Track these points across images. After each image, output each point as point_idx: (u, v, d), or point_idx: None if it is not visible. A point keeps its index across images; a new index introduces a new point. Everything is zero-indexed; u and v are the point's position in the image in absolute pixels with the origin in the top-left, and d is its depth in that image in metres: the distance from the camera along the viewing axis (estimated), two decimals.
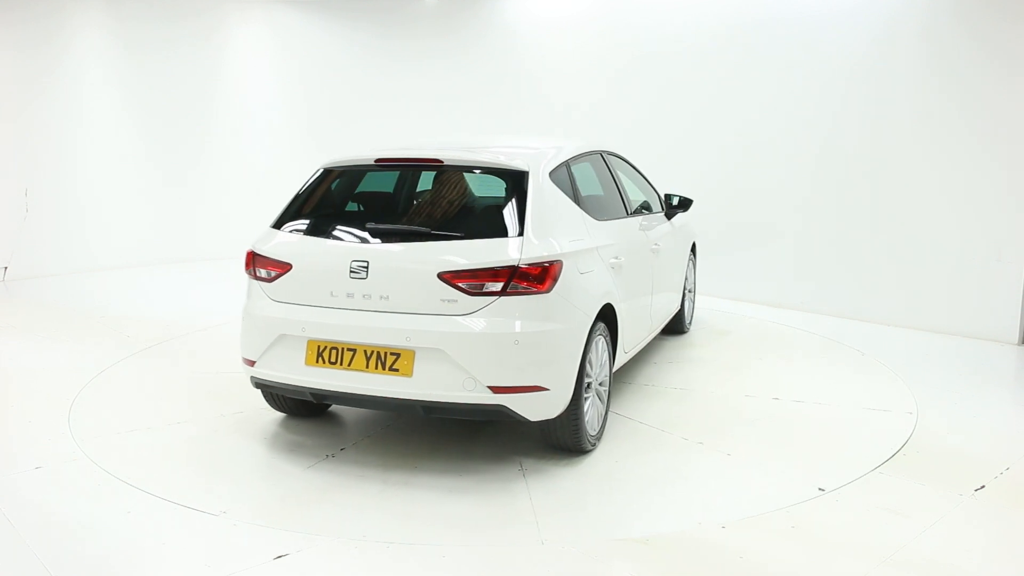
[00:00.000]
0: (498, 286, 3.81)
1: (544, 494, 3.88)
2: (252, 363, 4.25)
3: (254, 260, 4.31)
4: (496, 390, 3.80)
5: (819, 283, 7.71)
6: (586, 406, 4.21)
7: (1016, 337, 6.65)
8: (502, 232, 3.95)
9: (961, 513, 3.73)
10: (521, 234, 3.93)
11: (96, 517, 3.63)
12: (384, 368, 3.89)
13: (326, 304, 4.03)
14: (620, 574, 3.20)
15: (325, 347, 4.01)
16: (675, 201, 6.12)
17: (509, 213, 4.04)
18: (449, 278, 3.83)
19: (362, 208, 4.63)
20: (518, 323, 3.83)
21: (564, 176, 4.53)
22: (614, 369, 4.76)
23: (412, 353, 3.86)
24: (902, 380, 5.64)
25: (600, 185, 5.28)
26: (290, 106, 11.16)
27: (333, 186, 4.56)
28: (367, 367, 3.92)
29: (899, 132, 7.12)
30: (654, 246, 5.48)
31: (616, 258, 4.66)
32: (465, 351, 3.79)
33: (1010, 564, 3.33)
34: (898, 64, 7.08)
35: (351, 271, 3.97)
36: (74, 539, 3.45)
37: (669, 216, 6.11)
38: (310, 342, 4.04)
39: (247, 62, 10.88)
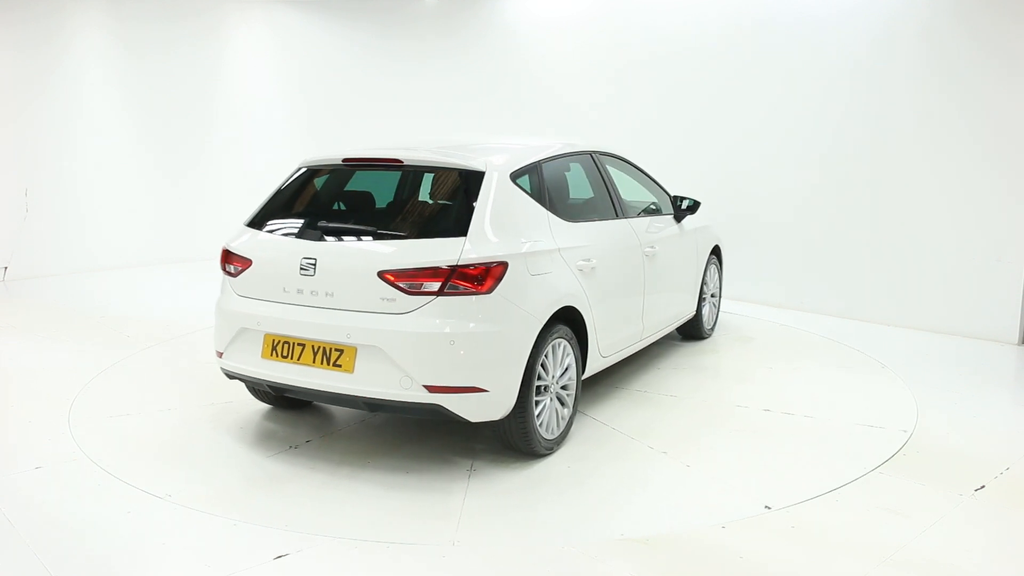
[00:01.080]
0: (436, 286, 3.82)
1: (480, 495, 3.87)
2: (220, 355, 4.42)
3: (226, 256, 4.45)
4: (432, 389, 3.82)
5: (820, 283, 7.71)
6: (539, 410, 4.18)
7: (1016, 337, 6.65)
8: (447, 232, 3.97)
9: (961, 513, 3.73)
10: (464, 234, 3.93)
11: (96, 517, 3.63)
12: (329, 363, 3.98)
13: (279, 299, 4.15)
14: (619, 574, 3.20)
15: (278, 341, 4.12)
16: (684, 205, 5.98)
17: (458, 213, 4.07)
18: (389, 277, 3.87)
19: (322, 206, 4.64)
20: (455, 323, 3.82)
21: (532, 177, 4.52)
22: (588, 374, 4.72)
23: (354, 350, 3.92)
24: (902, 381, 5.64)
25: (586, 186, 5.23)
26: (290, 106, 11.16)
27: (304, 184, 4.65)
28: (314, 362, 4.01)
29: (900, 133, 7.12)
30: (649, 249, 5.36)
31: (587, 260, 4.59)
32: (401, 349, 3.82)
33: (1010, 564, 3.33)
34: (899, 65, 7.08)
35: (301, 268, 4.07)
36: (74, 539, 3.45)
37: (678, 219, 5.98)
38: (266, 336, 4.16)
39: (247, 62, 10.88)
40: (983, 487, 3.99)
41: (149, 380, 5.55)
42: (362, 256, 4.00)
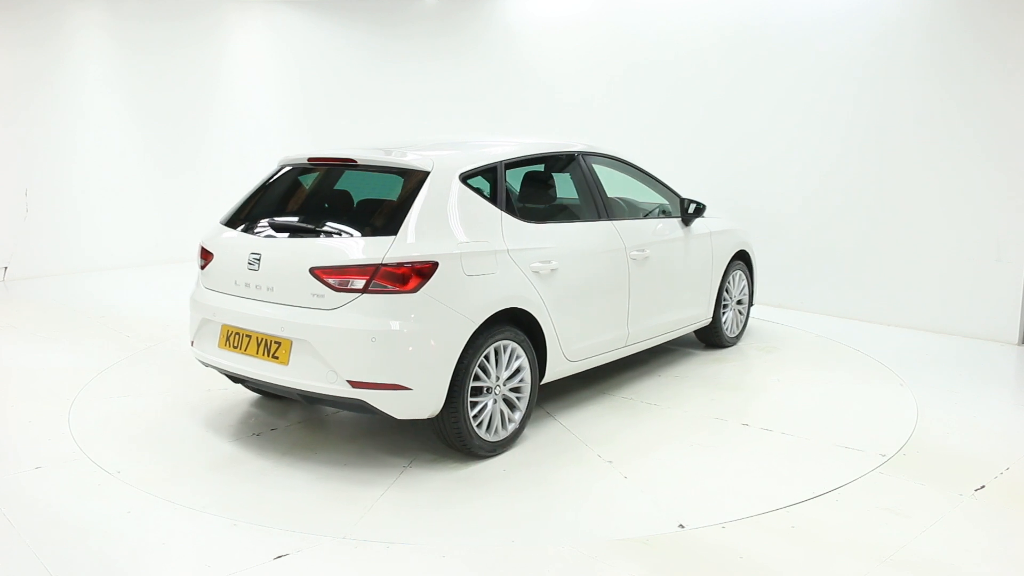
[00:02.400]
0: (361, 283, 3.89)
1: (402, 491, 3.90)
2: (192, 343, 4.66)
3: (201, 250, 4.67)
4: (355, 384, 3.90)
5: (820, 283, 7.70)
6: (476, 411, 4.16)
7: (1016, 337, 6.65)
8: (380, 231, 4.03)
9: (961, 513, 3.73)
10: (395, 233, 3.98)
11: (96, 517, 3.64)
12: (268, 355, 4.13)
13: (232, 292, 4.35)
14: (620, 574, 3.20)
15: (231, 332, 4.33)
16: (691, 208, 5.79)
17: (394, 212, 4.11)
18: (319, 273, 3.97)
19: (284, 204, 4.71)
20: (377, 321, 3.87)
21: (489, 177, 4.50)
22: (552, 378, 4.67)
23: (289, 343, 4.05)
24: (902, 382, 5.64)
25: (567, 187, 5.15)
26: (290, 106, 11.17)
27: (277, 182, 4.76)
28: (257, 353, 4.18)
29: (901, 133, 7.12)
30: (637, 253, 5.20)
31: (546, 262, 4.52)
32: (326, 344, 3.92)
33: (1010, 564, 3.33)
34: (900, 65, 7.08)
35: (249, 263, 4.25)
36: (74, 539, 3.46)
37: (686, 222, 5.78)
38: (222, 326, 4.38)
39: (247, 62, 10.89)
40: (983, 487, 3.99)
41: (148, 380, 5.56)
42: (298, 252, 4.11)
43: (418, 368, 3.93)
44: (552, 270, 4.56)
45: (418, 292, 3.91)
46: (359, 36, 11.03)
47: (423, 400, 3.97)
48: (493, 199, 4.45)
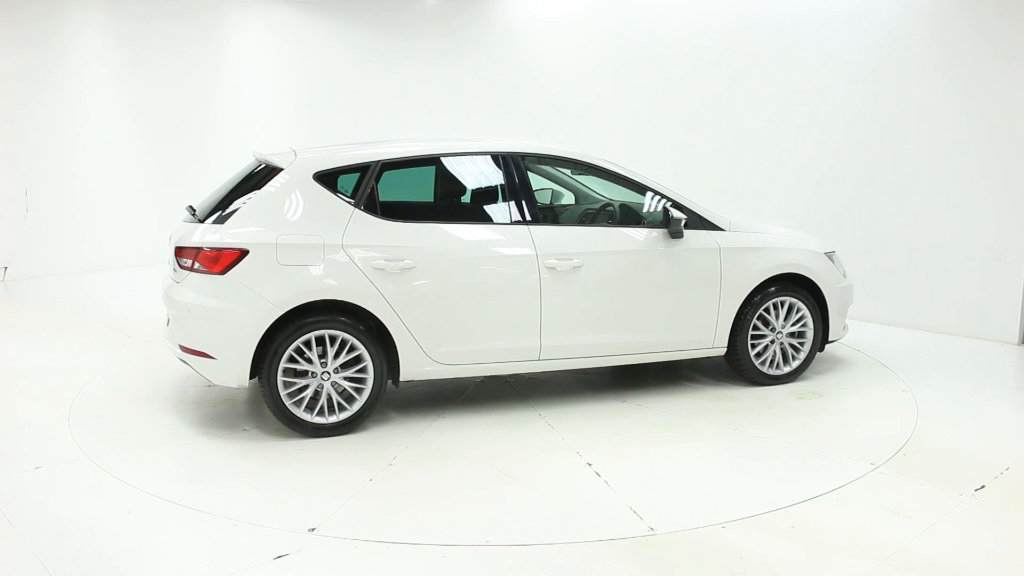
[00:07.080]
0: (189, 263, 4.53)
1: (202, 447, 4.46)
2: None
3: None
4: (182, 348, 4.60)
5: None
6: (291, 390, 4.49)
7: (1016, 337, 6.65)
8: (218, 219, 4.60)
9: (961, 513, 3.73)
10: (223, 222, 4.55)
11: (96, 517, 3.64)
12: (167, 320, 4.86)
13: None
14: (619, 574, 3.20)
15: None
16: (672, 218, 5.06)
17: (238, 203, 4.65)
18: (176, 252, 4.64)
19: (215, 194, 5.06)
20: (193, 296, 4.50)
21: (354, 176, 4.74)
22: (416, 377, 4.72)
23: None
24: (903, 383, 5.64)
25: (468, 189, 5.11)
26: (290, 106, 11.16)
27: (235, 176, 5.18)
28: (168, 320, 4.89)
29: (901, 133, 7.11)
30: (556, 261, 4.80)
31: (396, 260, 4.54)
32: (171, 312, 4.68)
33: (1010, 564, 3.33)
34: (901, 64, 7.07)
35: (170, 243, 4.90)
36: (74, 539, 3.46)
37: (673, 235, 5.08)
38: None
39: (247, 61, 10.89)
40: (983, 487, 3.99)
41: (148, 380, 5.56)
42: (178, 235, 4.74)
43: (220, 341, 4.45)
44: (403, 268, 4.60)
45: (226, 275, 4.42)
46: (359, 36, 11.03)
47: (227, 370, 4.47)
48: (353, 197, 4.70)
